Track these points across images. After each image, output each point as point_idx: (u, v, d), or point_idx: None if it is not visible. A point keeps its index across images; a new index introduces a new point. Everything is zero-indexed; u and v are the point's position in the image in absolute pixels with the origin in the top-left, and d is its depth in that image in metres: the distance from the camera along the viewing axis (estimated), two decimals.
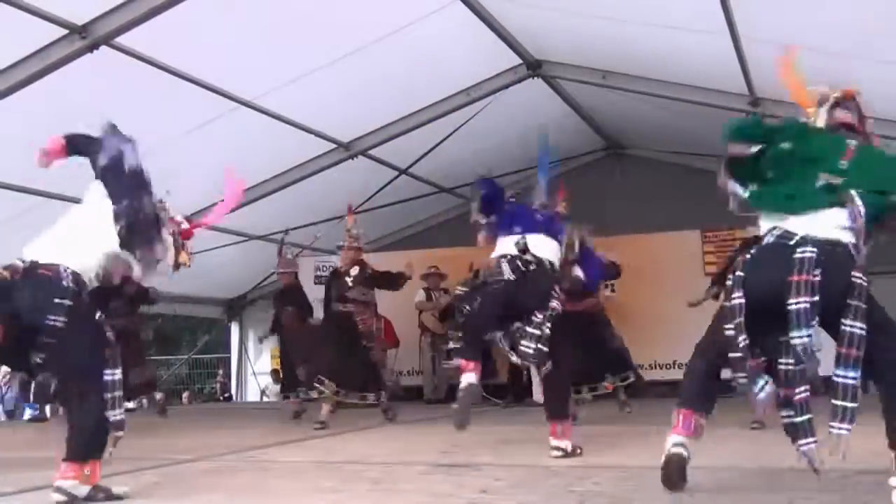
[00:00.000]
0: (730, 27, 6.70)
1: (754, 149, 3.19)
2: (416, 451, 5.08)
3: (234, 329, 13.88)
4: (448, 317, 10.80)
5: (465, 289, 5.13)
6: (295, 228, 9.80)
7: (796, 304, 2.87)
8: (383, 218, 11.54)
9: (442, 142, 9.51)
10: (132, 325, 8.10)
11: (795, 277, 2.89)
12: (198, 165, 7.84)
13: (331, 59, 7.61)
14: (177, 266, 3.74)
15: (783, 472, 3.55)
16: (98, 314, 3.49)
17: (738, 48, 7.07)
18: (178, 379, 17.79)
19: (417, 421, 7.69)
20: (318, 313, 12.02)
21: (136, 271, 3.59)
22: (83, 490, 3.31)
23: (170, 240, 3.68)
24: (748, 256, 3.10)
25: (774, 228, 3.08)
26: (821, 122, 3.25)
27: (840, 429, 2.82)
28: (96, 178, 3.66)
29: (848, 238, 2.98)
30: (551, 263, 4.88)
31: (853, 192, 2.98)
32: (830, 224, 2.99)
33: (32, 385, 3.20)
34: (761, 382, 2.99)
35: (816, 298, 2.86)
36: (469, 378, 4.48)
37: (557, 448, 4.48)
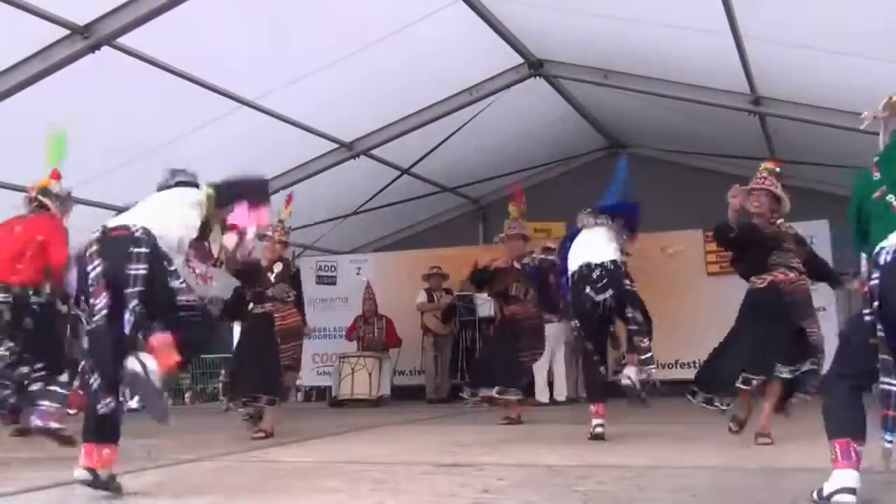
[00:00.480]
0: (731, 26, 6.70)
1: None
2: (419, 451, 5.08)
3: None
4: (450, 317, 10.86)
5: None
6: (296, 228, 9.79)
7: None
8: (385, 218, 11.55)
9: (444, 141, 9.51)
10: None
11: None
12: (200, 165, 7.83)
13: (333, 59, 7.61)
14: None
15: (786, 472, 3.55)
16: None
17: (739, 47, 7.06)
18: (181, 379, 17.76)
19: (419, 421, 7.69)
20: (313, 314, 12.13)
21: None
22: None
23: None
24: (883, 264, 2.94)
25: None
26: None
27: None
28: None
29: None
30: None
31: None
32: None
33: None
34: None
35: None
36: None
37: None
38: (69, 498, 3.50)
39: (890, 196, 3.01)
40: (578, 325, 5.77)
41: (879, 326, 2.87)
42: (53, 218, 5.28)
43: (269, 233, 6.52)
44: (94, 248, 3.46)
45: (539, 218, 11.13)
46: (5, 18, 5.88)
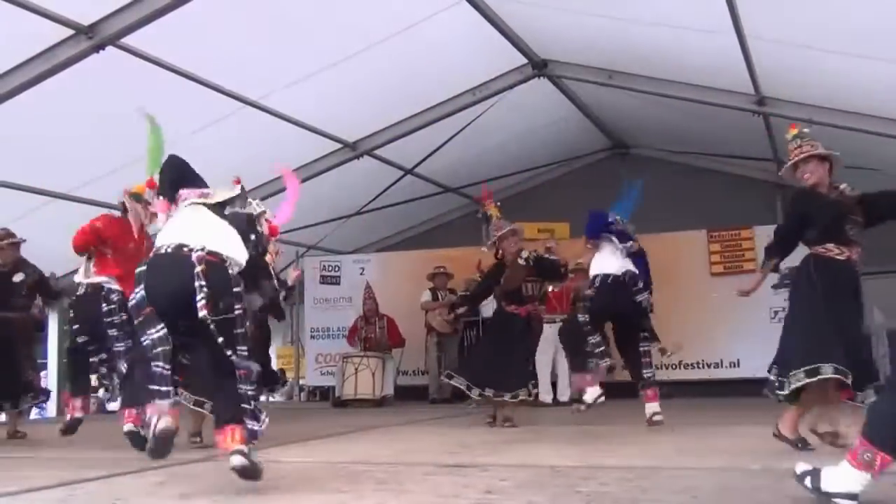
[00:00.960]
0: (735, 26, 6.69)
1: None
2: (422, 452, 5.07)
3: None
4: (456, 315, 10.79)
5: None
6: (300, 228, 9.80)
7: None
8: (388, 218, 11.56)
9: (448, 141, 9.52)
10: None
11: None
12: (204, 165, 7.84)
13: (336, 59, 7.62)
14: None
15: (788, 473, 3.54)
16: None
17: (743, 47, 7.06)
18: None
19: (423, 421, 7.69)
20: (317, 314, 12.15)
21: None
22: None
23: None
24: None
25: None
26: None
27: None
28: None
29: None
30: None
31: None
32: None
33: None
34: None
35: None
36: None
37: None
38: (71, 498, 3.50)
39: None
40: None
41: None
42: (124, 221, 5.44)
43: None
44: (200, 268, 3.55)
45: (542, 218, 11.15)
46: (10, 18, 5.90)
